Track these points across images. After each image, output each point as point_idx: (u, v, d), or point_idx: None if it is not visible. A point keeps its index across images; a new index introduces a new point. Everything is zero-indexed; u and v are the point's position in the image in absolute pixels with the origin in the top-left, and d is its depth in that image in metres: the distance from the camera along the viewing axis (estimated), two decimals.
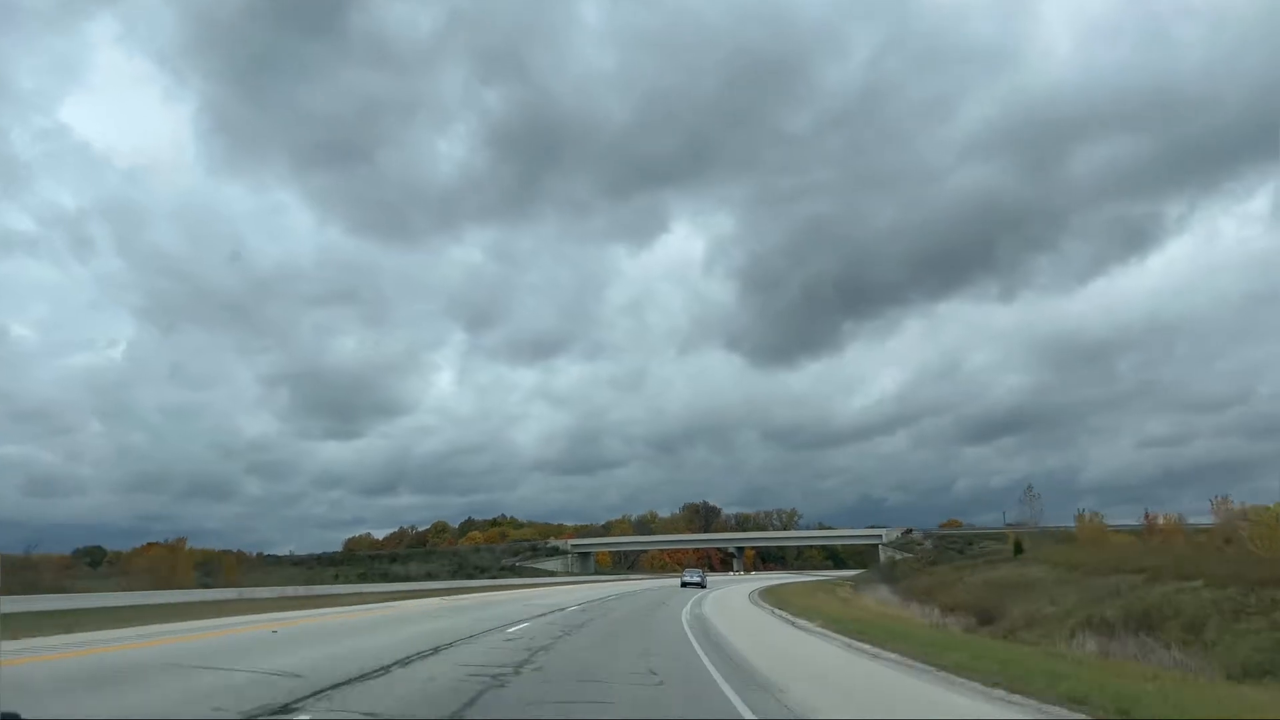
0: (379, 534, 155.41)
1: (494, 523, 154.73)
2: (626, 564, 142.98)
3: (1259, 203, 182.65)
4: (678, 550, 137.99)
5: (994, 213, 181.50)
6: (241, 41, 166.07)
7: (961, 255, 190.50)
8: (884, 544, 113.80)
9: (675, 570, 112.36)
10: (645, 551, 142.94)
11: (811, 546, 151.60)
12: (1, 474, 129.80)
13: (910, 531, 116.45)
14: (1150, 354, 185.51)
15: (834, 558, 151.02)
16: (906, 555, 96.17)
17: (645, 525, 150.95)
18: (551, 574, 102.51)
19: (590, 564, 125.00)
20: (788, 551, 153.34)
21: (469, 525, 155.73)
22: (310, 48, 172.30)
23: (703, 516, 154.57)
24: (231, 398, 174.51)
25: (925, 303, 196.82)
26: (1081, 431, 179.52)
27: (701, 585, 56.29)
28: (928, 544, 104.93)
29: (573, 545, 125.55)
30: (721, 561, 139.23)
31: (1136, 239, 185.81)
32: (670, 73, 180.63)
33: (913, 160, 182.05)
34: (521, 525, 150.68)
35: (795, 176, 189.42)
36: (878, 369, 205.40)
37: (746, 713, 7.84)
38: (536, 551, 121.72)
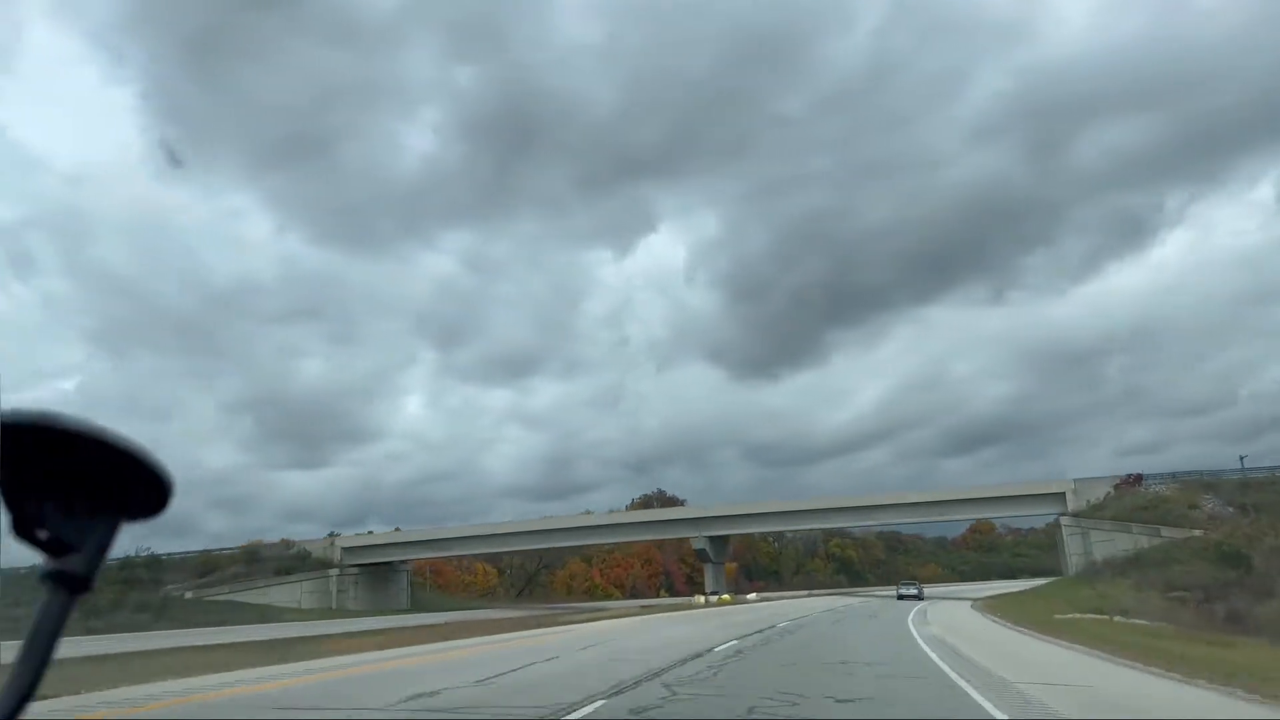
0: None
1: None
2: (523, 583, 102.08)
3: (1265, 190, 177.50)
4: (614, 565, 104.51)
5: (991, 206, 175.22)
6: (184, 16, 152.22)
7: (955, 253, 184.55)
8: (1069, 523, 58.42)
9: (613, 595, 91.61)
10: (551, 568, 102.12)
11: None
12: None
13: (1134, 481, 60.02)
14: (1140, 356, 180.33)
15: (847, 570, 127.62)
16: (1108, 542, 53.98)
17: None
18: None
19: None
20: (783, 562, 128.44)
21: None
22: (261, 22, 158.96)
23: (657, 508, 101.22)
24: (190, 428, 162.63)
25: (912, 307, 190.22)
26: (1067, 439, 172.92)
27: (919, 597, 51.49)
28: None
29: None
30: (687, 580, 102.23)
31: (1135, 231, 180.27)
32: (659, 48, 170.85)
33: (914, 146, 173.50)
34: None
35: (787, 166, 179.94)
36: (862, 380, 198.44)
37: None
38: None
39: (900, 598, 52.03)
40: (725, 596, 56.40)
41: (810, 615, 33.18)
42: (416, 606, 63.68)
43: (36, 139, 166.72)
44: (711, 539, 61.79)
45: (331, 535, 62.18)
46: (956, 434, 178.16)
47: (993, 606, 37.01)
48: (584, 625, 30.83)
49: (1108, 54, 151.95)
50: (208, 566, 53.48)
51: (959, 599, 50.58)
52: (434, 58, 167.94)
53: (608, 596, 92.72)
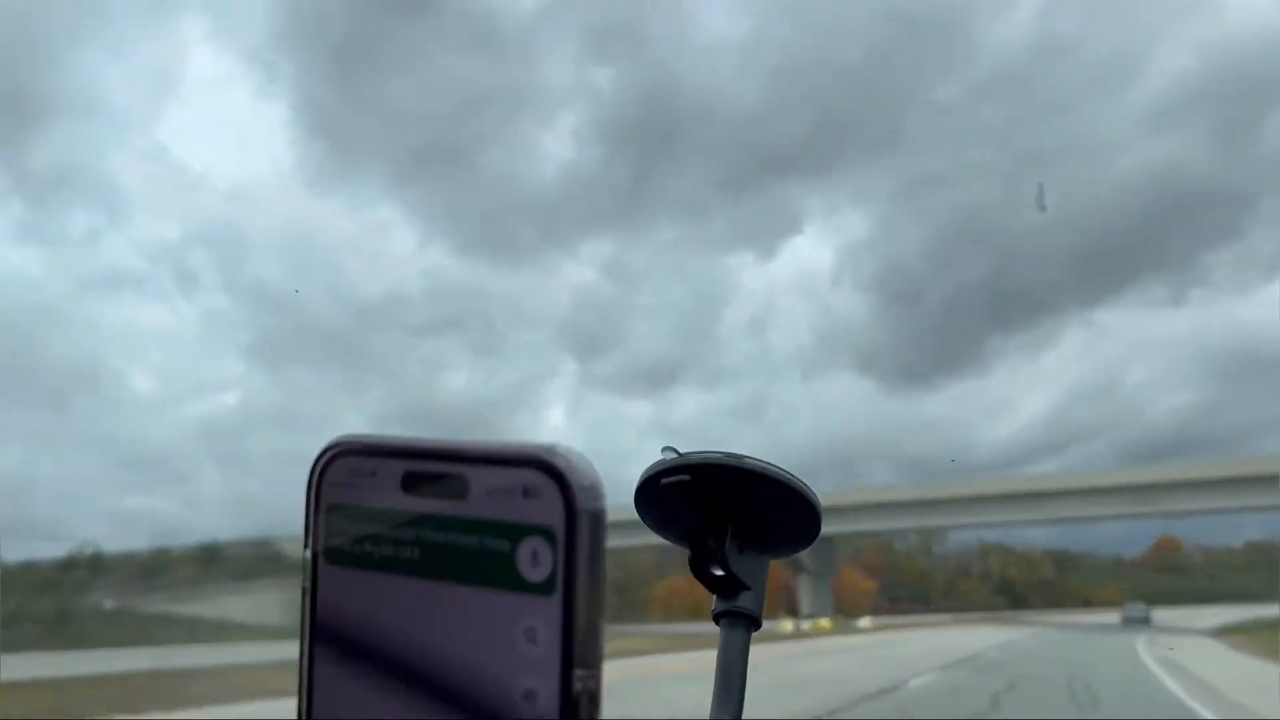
0: None
1: None
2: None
3: None
4: None
5: (1171, 196, 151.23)
6: (331, 29, 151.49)
7: (1129, 249, 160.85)
8: None
9: None
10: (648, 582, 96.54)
11: None
12: (132, 525, 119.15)
13: None
14: None
15: (1008, 590, 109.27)
16: None
17: None
18: None
19: None
20: (931, 581, 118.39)
21: None
22: (403, 32, 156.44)
23: None
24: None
25: (1081, 308, 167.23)
26: (1259, 454, 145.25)
27: (1146, 622, 43.64)
28: None
29: None
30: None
31: None
32: (805, 38, 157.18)
33: (1083, 133, 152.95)
34: None
35: (942, 159, 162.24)
36: (1026, 389, 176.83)
37: None
38: None
39: (1127, 621, 43.34)
40: (824, 622, 40.78)
41: (952, 667, 19.18)
42: None
43: (197, 158, 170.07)
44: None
45: None
46: (1132, 448, 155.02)
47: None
48: None
49: None
50: (155, 568, 42.77)
51: (1175, 630, 37.79)
52: (572, 60, 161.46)
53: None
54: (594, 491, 0.29)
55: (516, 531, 0.30)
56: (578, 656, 0.29)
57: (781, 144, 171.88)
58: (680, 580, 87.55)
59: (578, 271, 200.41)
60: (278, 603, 45.14)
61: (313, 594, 0.34)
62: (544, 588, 0.29)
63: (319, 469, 0.34)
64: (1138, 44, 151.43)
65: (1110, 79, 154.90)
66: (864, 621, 44.88)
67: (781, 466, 0.70)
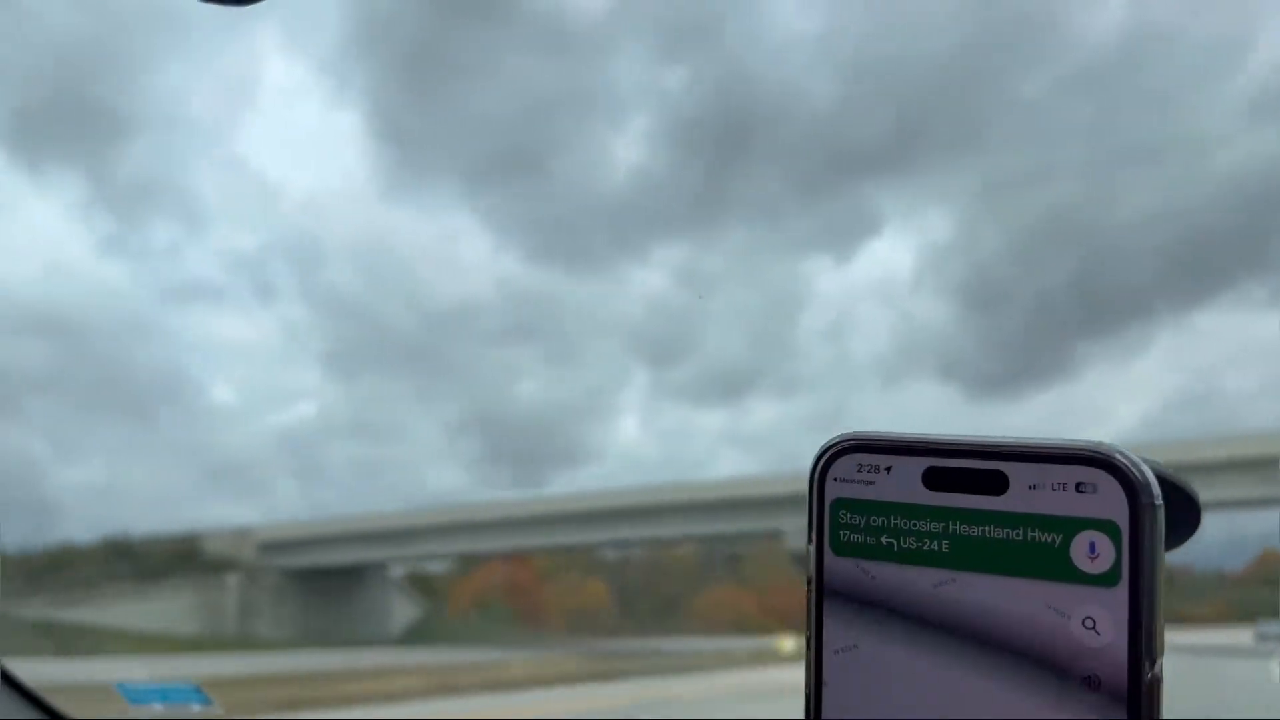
0: None
1: None
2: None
3: None
4: (779, 589, 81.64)
5: (1274, 192, 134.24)
6: (402, 36, 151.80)
7: (1228, 249, 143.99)
8: None
9: (772, 629, 67.84)
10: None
11: None
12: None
13: None
14: None
15: None
16: None
17: None
18: None
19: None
20: None
21: None
22: (474, 36, 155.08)
23: None
24: (415, 449, 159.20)
25: (1176, 312, 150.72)
26: None
27: None
28: None
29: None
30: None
31: None
32: (884, 32, 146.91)
33: (1179, 127, 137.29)
34: None
35: (1029, 156, 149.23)
36: (1118, 397, 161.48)
37: None
38: None
39: (1261, 638, 34.63)
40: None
41: None
42: (426, 634, 44.49)
43: (273, 168, 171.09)
44: None
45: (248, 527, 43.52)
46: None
47: None
48: None
49: None
50: (54, 567, 37.56)
51: None
52: (643, 61, 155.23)
53: (765, 631, 69.28)
54: (1153, 488, 0.29)
55: (1071, 525, 0.30)
56: (1144, 646, 0.29)
57: (859, 142, 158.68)
58: (726, 590, 78.08)
59: (649, 277, 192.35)
60: (188, 608, 39.53)
61: (818, 585, 0.34)
62: (1105, 579, 0.29)
63: (822, 464, 0.35)
64: (1240, 30, 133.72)
65: (1210, 68, 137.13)
66: None
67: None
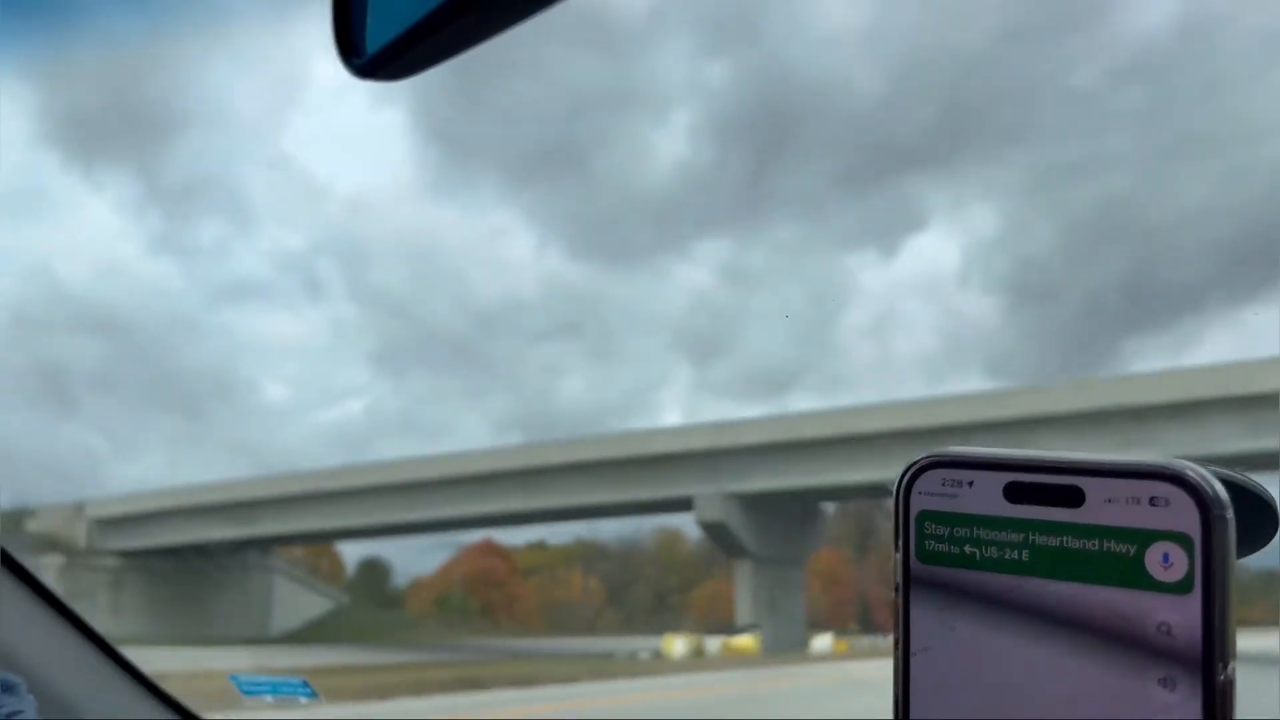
0: None
1: None
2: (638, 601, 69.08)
3: None
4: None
5: None
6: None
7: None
8: None
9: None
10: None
11: None
12: None
13: None
14: None
15: None
16: None
17: None
18: None
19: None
20: None
21: None
22: (516, 31, 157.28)
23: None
24: (461, 446, 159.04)
25: (1228, 307, 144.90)
26: None
27: None
28: None
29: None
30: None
31: None
32: (930, 22, 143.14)
33: (1235, 116, 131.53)
34: None
35: (1079, 148, 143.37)
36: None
37: None
38: None
39: None
40: (744, 641, 27.39)
41: None
42: (325, 633, 37.44)
43: (321, 167, 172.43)
44: (742, 500, 27.34)
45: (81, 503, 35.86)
46: None
47: None
48: None
49: None
50: None
51: None
52: (686, 55, 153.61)
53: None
54: (1224, 502, 0.31)
55: (1145, 536, 0.32)
56: (1218, 650, 0.31)
57: (904, 136, 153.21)
58: (723, 584, 76.57)
59: (692, 274, 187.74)
60: None
61: (905, 591, 0.36)
62: (1179, 588, 0.31)
63: (907, 479, 0.37)
64: None
65: (1266, 56, 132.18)
66: (820, 642, 26.87)
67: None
